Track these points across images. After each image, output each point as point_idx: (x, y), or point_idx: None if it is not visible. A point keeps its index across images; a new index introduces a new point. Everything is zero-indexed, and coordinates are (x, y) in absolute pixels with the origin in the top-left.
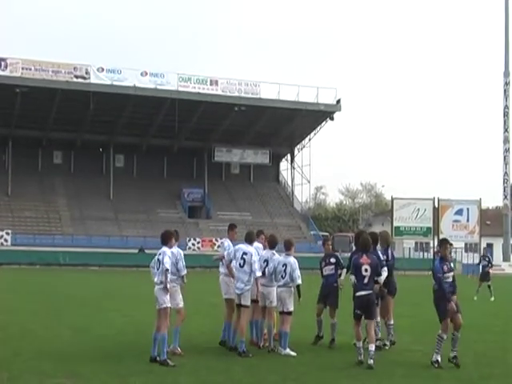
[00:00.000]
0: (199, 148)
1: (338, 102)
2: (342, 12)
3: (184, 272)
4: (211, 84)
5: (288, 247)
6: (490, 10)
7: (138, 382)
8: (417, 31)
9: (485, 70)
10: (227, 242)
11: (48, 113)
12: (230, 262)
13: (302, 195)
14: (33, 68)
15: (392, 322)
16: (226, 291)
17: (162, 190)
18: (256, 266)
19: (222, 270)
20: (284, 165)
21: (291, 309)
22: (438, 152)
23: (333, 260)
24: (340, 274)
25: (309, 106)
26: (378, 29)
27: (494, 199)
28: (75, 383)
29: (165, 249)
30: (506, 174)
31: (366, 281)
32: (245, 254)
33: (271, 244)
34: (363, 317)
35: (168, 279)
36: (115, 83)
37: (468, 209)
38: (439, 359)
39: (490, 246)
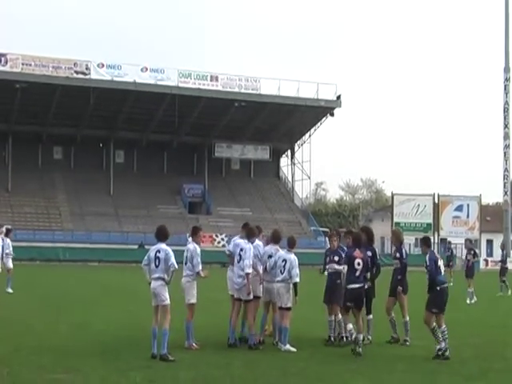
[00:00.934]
0: (199, 144)
1: (339, 97)
2: (343, 8)
3: (199, 268)
4: (211, 80)
5: (292, 245)
6: (490, 6)
7: (137, 377)
8: (417, 27)
9: (485, 66)
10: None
11: (48, 108)
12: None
13: (303, 191)
14: (33, 63)
15: (408, 319)
16: (230, 287)
17: (162, 185)
18: (246, 262)
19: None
20: (284, 161)
21: (289, 304)
22: (439, 148)
23: (336, 258)
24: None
25: (309, 102)
26: (379, 24)
27: (494, 195)
28: (74, 378)
29: (164, 246)
30: (506, 170)
31: (357, 274)
32: (241, 250)
33: (275, 239)
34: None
35: (172, 277)
36: (115, 79)
37: (468, 205)
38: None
39: (489, 242)
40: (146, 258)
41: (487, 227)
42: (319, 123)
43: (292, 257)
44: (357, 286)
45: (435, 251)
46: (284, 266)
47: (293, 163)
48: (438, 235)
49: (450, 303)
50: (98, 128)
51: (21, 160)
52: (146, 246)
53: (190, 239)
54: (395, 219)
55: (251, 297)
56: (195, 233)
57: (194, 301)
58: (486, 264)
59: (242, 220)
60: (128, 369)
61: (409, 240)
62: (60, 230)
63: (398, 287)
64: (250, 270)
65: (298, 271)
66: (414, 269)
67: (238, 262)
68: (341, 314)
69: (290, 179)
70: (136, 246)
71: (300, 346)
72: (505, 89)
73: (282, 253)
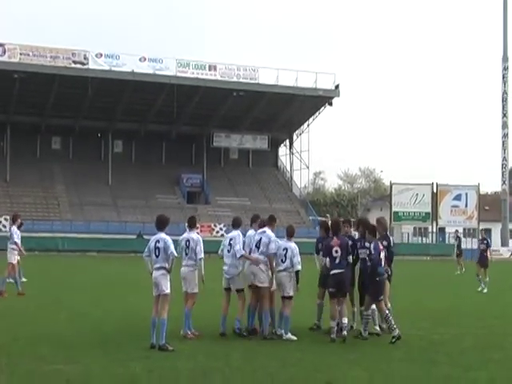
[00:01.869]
0: (198, 133)
1: (337, 87)
2: None
3: (201, 255)
4: (210, 69)
5: (291, 234)
6: None
7: (137, 367)
8: (416, 17)
9: (483, 55)
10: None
11: (46, 98)
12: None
13: (301, 180)
14: (31, 53)
15: (388, 306)
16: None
17: (161, 175)
18: (237, 247)
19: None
20: (283, 150)
21: (291, 293)
22: (437, 137)
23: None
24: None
25: (307, 92)
26: (377, 14)
27: (492, 184)
28: (73, 369)
29: (163, 235)
30: (504, 159)
31: (337, 261)
32: (231, 239)
33: (290, 233)
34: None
35: (172, 265)
36: (113, 69)
37: (466, 194)
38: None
39: (488, 231)
40: (146, 249)
41: (485, 216)
42: (318, 113)
43: (293, 245)
44: (338, 271)
45: (380, 243)
46: (285, 255)
47: (291, 153)
48: (437, 224)
49: (452, 293)
50: (96, 118)
51: (19, 150)
52: (145, 236)
53: (188, 229)
54: (393, 208)
55: (241, 286)
56: (195, 223)
57: (197, 290)
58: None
59: (241, 210)
60: (127, 359)
61: (407, 229)
62: (59, 220)
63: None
64: (242, 252)
65: (299, 259)
66: (414, 258)
67: (229, 251)
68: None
69: (288, 169)
70: (135, 236)
71: (299, 336)
72: (503, 78)
73: (281, 242)
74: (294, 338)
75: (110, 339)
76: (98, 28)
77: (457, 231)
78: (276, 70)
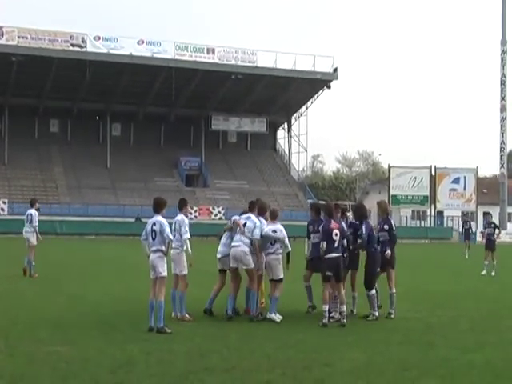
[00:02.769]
0: (196, 116)
1: (335, 70)
2: None
3: (186, 236)
4: (208, 52)
5: (274, 216)
6: None
7: (134, 350)
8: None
9: (482, 39)
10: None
11: (44, 81)
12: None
13: (299, 164)
14: (29, 36)
15: (394, 291)
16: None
17: (159, 158)
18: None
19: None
20: (281, 133)
21: (281, 276)
22: (436, 120)
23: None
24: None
25: (306, 75)
26: None
27: (490, 167)
28: (71, 350)
29: (159, 218)
30: (502, 142)
31: (336, 244)
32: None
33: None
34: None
35: (168, 248)
36: (112, 52)
37: (465, 177)
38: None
39: (486, 214)
40: (143, 232)
41: (484, 199)
42: (316, 96)
43: (280, 226)
44: (335, 255)
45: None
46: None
47: (289, 136)
48: (435, 208)
49: (451, 276)
50: (94, 101)
51: (17, 133)
52: (143, 219)
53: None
54: (392, 192)
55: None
56: (185, 204)
57: (185, 272)
58: (482, 236)
59: (239, 193)
60: (125, 341)
61: (405, 213)
62: (57, 203)
63: (385, 254)
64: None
65: (287, 240)
66: (412, 241)
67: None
68: (322, 290)
69: (286, 152)
70: (133, 219)
71: (297, 318)
72: (501, 61)
73: (269, 225)
74: (278, 319)
75: (108, 322)
76: (96, 11)
77: (466, 215)
78: (274, 53)
